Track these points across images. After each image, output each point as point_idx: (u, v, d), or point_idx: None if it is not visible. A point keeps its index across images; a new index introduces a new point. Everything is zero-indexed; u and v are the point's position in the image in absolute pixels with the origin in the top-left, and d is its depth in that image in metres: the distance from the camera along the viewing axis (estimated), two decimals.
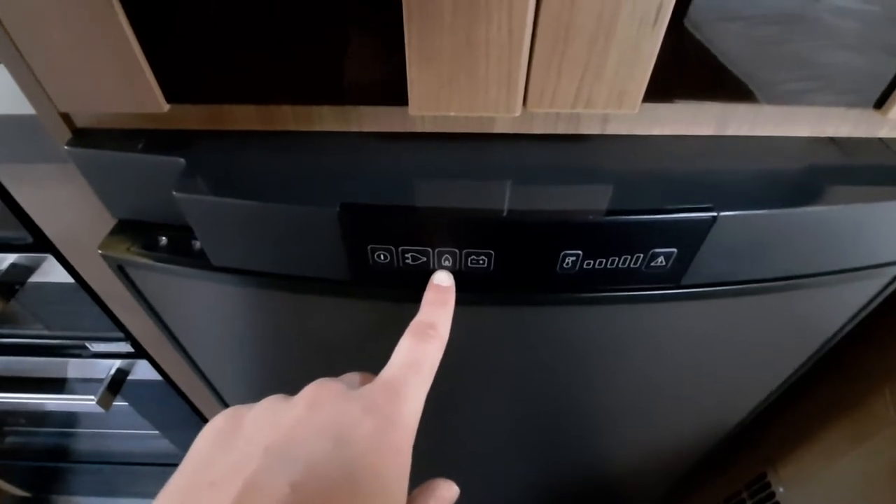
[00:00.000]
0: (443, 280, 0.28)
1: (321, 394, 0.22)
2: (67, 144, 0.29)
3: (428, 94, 0.25)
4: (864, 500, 0.49)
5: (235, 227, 0.28)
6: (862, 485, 0.49)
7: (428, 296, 0.27)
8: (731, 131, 0.31)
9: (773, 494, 0.59)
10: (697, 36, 0.24)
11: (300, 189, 0.26)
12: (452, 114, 0.26)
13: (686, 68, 0.26)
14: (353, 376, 0.25)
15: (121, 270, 0.33)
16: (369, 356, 0.39)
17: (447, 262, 0.28)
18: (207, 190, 0.26)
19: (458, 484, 0.25)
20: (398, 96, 0.26)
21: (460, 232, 0.27)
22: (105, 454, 0.87)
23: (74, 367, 0.63)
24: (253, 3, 0.23)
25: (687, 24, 0.24)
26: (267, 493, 0.18)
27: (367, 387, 0.22)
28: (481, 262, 0.28)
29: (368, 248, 0.27)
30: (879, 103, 0.28)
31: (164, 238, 0.32)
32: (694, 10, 0.23)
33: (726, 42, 0.25)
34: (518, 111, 0.26)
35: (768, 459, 0.60)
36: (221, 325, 0.38)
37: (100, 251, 0.32)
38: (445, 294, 0.27)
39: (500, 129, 0.30)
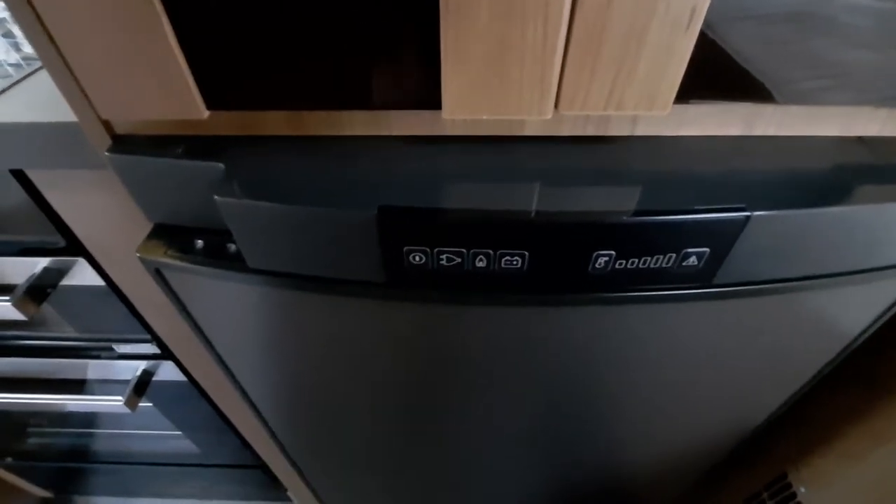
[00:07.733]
0: None
1: None
2: (108, 151, 0.30)
3: (461, 98, 0.26)
4: (886, 502, 0.48)
5: (274, 231, 0.28)
6: (884, 486, 0.48)
7: None
8: (758, 131, 0.31)
9: (794, 495, 0.58)
10: (724, 37, 0.24)
11: (338, 193, 0.27)
12: (485, 117, 0.27)
13: (714, 69, 0.26)
14: None
15: (158, 273, 0.34)
16: (398, 358, 0.40)
17: (481, 263, 0.28)
18: (248, 195, 0.27)
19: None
20: (430, 101, 0.26)
21: (495, 233, 0.27)
22: (126, 454, 0.88)
23: (94, 369, 0.63)
24: (292, 14, 0.23)
25: (715, 25, 0.24)
26: None
27: None
28: (515, 262, 0.28)
29: (404, 249, 0.28)
30: None
31: (199, 241, 0.33)
32: (722, 12, 0.23)
33: (752, 42, 0.25)
34: (550, 114, 0.26)
35: (790, 459, 0.60)
36: (254, 326, 0.38)
37: (138, 255, 0.33)
38: None
39: (529, 131, 0.30)
